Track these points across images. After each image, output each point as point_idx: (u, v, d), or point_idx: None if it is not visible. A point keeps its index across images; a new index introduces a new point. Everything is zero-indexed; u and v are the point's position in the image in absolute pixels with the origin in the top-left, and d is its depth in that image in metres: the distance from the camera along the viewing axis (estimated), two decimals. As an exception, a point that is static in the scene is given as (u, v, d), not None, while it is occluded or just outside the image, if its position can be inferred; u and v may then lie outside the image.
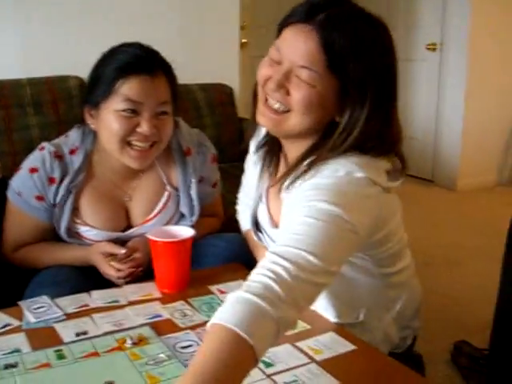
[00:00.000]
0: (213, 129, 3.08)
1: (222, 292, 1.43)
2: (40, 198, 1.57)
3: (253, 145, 1.54)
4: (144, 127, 1.48)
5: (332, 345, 1.18)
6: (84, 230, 1.61)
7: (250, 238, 1.64)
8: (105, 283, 1.52)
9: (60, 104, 2.62)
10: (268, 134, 1.43)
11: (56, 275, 1.54)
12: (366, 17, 1.22)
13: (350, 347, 1.17)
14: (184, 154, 1.67)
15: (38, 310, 1.33)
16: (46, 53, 2.92)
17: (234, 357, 0.88)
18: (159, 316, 1.31)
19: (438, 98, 5.03)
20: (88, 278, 1.55)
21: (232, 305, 0.95)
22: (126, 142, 1.50)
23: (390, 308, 1.43)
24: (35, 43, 2.91)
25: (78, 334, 1.22)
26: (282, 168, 1.41)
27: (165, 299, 1.40)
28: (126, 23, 3.06)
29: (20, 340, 1.21)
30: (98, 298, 1.40)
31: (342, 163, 1.19)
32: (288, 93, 1.21)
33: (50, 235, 1.67)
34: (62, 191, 1.57)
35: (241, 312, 0.92)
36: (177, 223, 1.70)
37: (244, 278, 1.47)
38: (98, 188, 1.62)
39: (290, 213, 1.15)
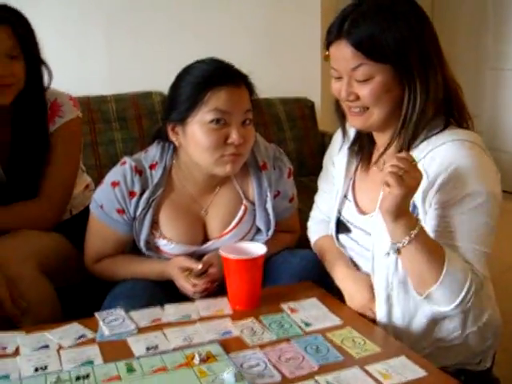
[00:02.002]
0: (293, 142, 3.07)
1: (293, 310, 1.42)
2: (121, 211, 1.61)
3: (328, 155, 1.73)
4: (234, 136, 1.49)
5: (402, 370, 1.14)
6: (162, 244, 1.64)
7: (325, 250, 1.65)
8: (178, 297, 1.54)
9: (144, 119, 2.69)
10: (357, 135, 1.59)
11: (132, 288, 1.58)
12: (385, 4, 1.37)
13: (421, 373, 1.13)
14: (260, 169, 1.67)
15: (112, 322, 1.37)
16: (131, 69, 3.00)
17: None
18: (229, 333, 1.31)
19: (530, 108, 4.81)
20: (162, 292, 1.58)
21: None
22: (218, 156, 1.51)
23: (478, 319, 1.44)
24: (120, 61, 3.01)
25: (148, 349, 1.25)
26: (375, 158, 1.54)
27: (235, 316, 1.40)
28: (208, 39, 3.10)
29: (93, 352, 1.24)
30: (170, 312, 1.43)
31: (456, 133, 1.37)
32: (357, 96, 1.39)
33: (130, 248, 1.71)
34: (142, 205, 1.60)
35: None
36: (253, 237, 1.70)
37: (317, 296, 1.48)
38: (176, 202, 1.65)
39: (448, 208, 1.33)
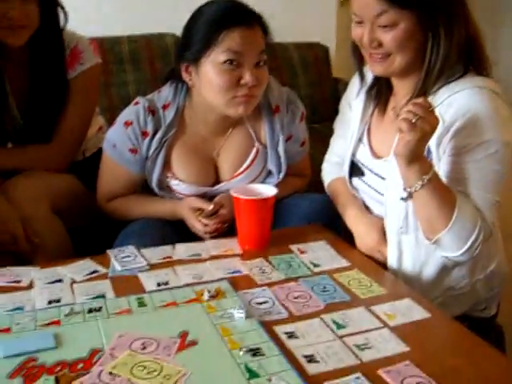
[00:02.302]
0: (306, 88, 3.05)
1: (302, 252, 1.44)
2: (133, 151, 1.62)
3: (345, 99, 1.73)
4: (247, 77, 1.49)
5: (406, 311, 1.16)
6: (174, 184, 1.65)
7: (338, 192, 1.67)
8: (189, 237, 1.56)
9: (157, 61, 2.67)
10: (374, 80, 1.58)
11: (143, 227, 1.60)
12: None
13: (425, 315, 1.15)
14: (272, 112, 1.67)
15: (124, 259, 1.39)
16: (144, 11, 2.96)
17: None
18: (238, 271, 1.34)
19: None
20: (173, 232, 1.60)
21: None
22: (230, 97, 1.51)
23: (485, 267, 1.48)
24: (133, 1, 2.97)
25: (159, 284, 1.27)
26: (392, 103, 1.55)
27: (245, 255, 1.42)
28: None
29: (105, 286, 1.27)
30: (181, 250, 1.45)
31: (474, 80, 1.36)
32: (380, 42, 1.37)
33: (141, 188, 1.73)
34: (154, 145, 1.61)
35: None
36: (264, 180, 1.72)
37: (326, 239, 1.49)
38: (188, 143, 1.65)
39: (462, 156, 1.33)
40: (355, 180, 1.63)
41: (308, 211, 1.62)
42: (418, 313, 1.16)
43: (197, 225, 1.56)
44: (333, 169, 1.76)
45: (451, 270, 1.43)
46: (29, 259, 1.57)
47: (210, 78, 1.51)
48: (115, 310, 1.17)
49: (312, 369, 0.98)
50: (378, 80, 1.57)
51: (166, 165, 1.64)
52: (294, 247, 1.46)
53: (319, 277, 1.31)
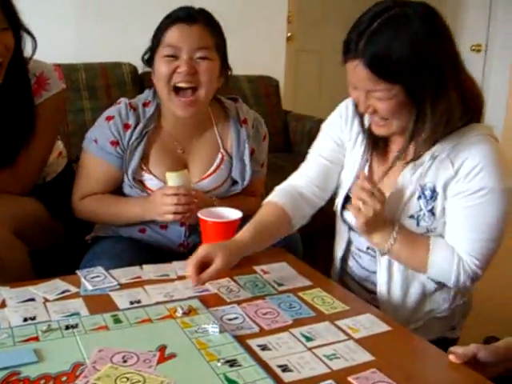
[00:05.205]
0: (258, 119, 3.14)
1: (266, 272, 1.51)
2: (115, 143, 1.71)
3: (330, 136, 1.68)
4: (182, 67, 1.63)
5: (369, 325, 1.25)
6: (148, 178, 1.74)
7: (268, 213, 1.58)
8: (155, 260, 1.60)
9: (113, 89, 2.72)
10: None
11: (112, 249, 1.66)
12: (403, 22, 1.33)
13: (386, 328, 1.25)
14: (240, 123, 1.82)
15: (94, 279, 1.43)
16: (100, 40, 3.01)
17: None
18: (207, 290, 1.40)
19: (480, 99, 4.97)
20: (141, 255, 1.66)
21: None
22: (171, 87, 1.65)
23: (464, 294, 1.59)
24: (90, 31, 3.01)
25: (132, 302, 1.32)
26: (391, 157, 1.55)
27: (212, 276, 1.48)
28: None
29: (78, 305, 1.30)
30: (149, 271, 1.50)
31: (477, 128, 1.43)
32: (375, 109, 1.41)
33: (116, 187, 1.79)
34: (135, 135, 1.71)
35: None
36: (229, 187, 1.82)
37: (286, 260, 1.57)
38: (164, 141, 1.77)
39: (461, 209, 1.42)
40: (347, 213, 1.61)
41: None
42: (379, 326, 1.25)
43: (166, 200, 1.63)
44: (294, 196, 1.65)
45: (433, 292, 1.53)
46: None
47: (157, 70, 1.67)
48: (92, 326, 1.20)
49: (287, 377, 1.05)
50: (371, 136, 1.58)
51: (144, 159, 1.73)
52: (257, 268, 1.53)
53: (284, 295, 1.39)
